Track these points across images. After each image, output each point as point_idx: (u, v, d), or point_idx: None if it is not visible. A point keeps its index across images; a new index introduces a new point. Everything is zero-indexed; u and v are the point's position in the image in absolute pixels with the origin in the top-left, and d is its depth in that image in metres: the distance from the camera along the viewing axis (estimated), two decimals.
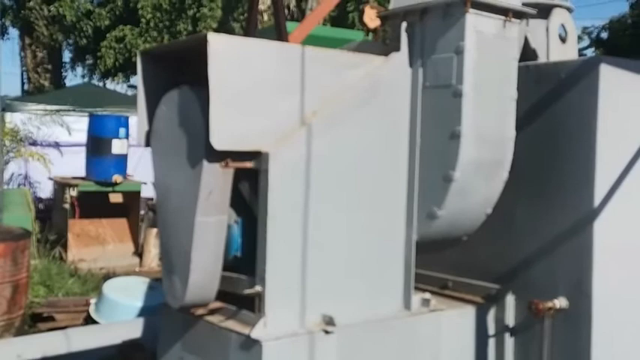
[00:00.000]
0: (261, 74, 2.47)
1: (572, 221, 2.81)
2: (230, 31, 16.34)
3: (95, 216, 9.35)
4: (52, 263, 7.94)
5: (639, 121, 2.96)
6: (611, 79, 2.79)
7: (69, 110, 11.65)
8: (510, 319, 3.00)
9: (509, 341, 3.00)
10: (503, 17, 2.74)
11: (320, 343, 2.50)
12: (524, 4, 2.84)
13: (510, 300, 2.99)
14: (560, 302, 2.79)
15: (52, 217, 9.77)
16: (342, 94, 2.62)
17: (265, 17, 15.79)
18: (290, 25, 4.60)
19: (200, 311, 2.62)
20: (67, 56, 21.70)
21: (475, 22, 2.66)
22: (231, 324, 2.53)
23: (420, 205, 2.75)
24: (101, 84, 19.91)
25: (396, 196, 2.77)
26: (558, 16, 3.29)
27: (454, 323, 2.91)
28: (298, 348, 2.47)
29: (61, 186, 9.49)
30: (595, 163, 2.75)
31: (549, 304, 2.77)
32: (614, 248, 2.83)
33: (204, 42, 2.32)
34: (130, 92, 19.08)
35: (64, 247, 8.79)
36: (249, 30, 4.74)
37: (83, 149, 9.56)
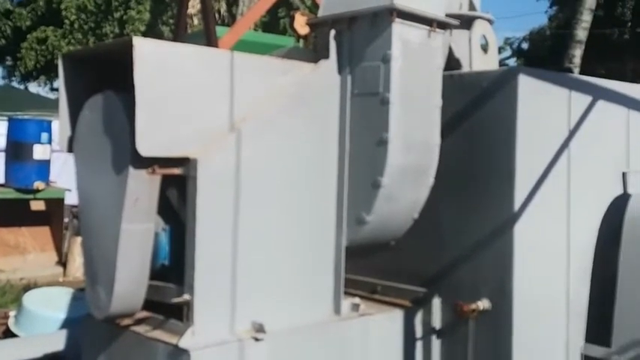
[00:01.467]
0: (189, 79, 2.44)
1: (494, 225, 2.91)
2: (159, 35, 16.05)
3: (15, 224, 8.95)
4: None
5: (556, 128, 3.11)
6: (530, 88, 2.92)
7: None
8: (437, 322, 3.07)
9: (435, 343, 3.07)
10: (427, 27, 2.82)
11: (250, 351, 2.49)
12: (447, 15, 2.93)
13: (437, 303, 3.06)
14: (484, 304, 2.88)
15: None
16: (271, 101, 2.62)
17: (195, 21, 15.61)
18: (220, 30, 4.59)
19: (126, 321, 2.55)
20: None
21: (401, 31, 2.72)
22: (158, 334, 2.48)
23: (349, 210, 2.79)
24: (22, 86, 19.14)
25: (326, 202, 2.79)
26: (480, 27, 3.41)
27: (383, 327, 2.95)
28: (228, 356, 2.44)
29: None
30: (515, 169, 2.86)
31: (473, 306, 2.85)
32: (534, 251, 2.95)
33: (129, 46, 2.27)
34: (53, 95, 18.44)
35: None
36: (178, 34, 4.69)
37: (2, 155, 9.15)
